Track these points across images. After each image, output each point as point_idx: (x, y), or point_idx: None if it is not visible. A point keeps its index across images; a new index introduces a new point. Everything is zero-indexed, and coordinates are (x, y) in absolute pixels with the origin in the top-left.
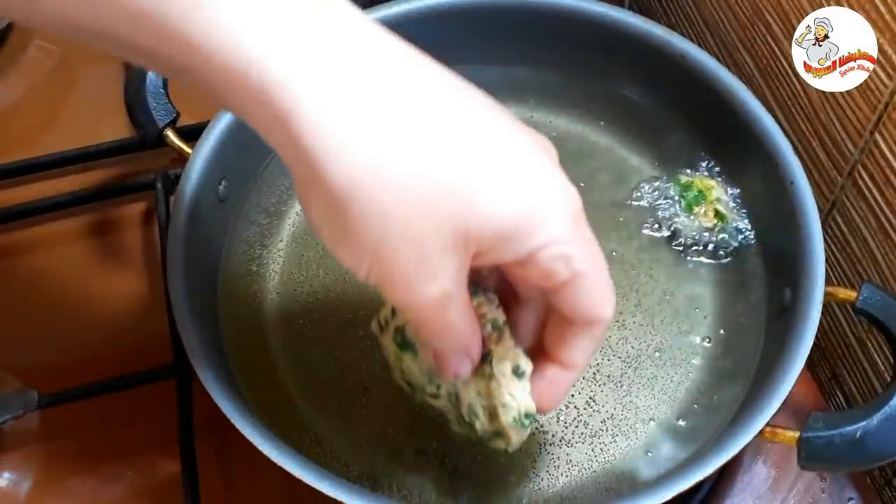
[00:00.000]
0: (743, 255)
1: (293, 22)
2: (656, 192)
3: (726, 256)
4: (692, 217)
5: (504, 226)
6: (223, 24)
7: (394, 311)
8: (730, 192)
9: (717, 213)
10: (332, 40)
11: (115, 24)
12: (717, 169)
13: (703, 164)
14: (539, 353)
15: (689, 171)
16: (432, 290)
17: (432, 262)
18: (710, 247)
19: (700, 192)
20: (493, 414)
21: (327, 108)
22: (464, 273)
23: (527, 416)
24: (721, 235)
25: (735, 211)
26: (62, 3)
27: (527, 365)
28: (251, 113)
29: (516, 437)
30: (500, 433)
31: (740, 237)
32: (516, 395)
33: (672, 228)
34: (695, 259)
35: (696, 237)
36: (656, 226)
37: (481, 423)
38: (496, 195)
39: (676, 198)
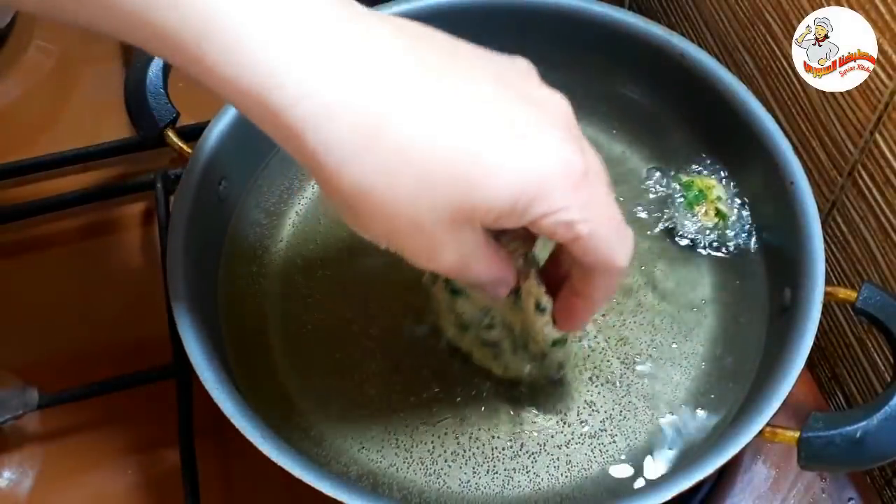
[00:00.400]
0: (743, 255)
1: (302, 41)
2: (657, 192)
3: (727, 254)
4: (693, 216)
5: (502, 205)
6: (237, 46)
7: None
8: (730, 190)
9: (718, 212)
10: (334, 54)
11: (135, 35)
12: (717, 167)
13: (704, 163)
14: (568, 281)
15: (690, 169)
16: (446, 261)
17: (440, 242)
18: (711, 245)
19: (701, 191)
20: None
21: (334, 126)
22: (474, 239)
23: (553, 343)
24: (722, 234)
25: (736, 210)
26: (75, 7)
27: (547, 302)
28: (267, 128)
29: (559, 358)
30: (562, 338)
31: (741, 235)
32: (538, 327)
33: (673, 227)
34: (695, 258)
35: (697, 236)
36: (657, 225)
37: (532, 346)
38: (491, 177)
39: (677, 197)
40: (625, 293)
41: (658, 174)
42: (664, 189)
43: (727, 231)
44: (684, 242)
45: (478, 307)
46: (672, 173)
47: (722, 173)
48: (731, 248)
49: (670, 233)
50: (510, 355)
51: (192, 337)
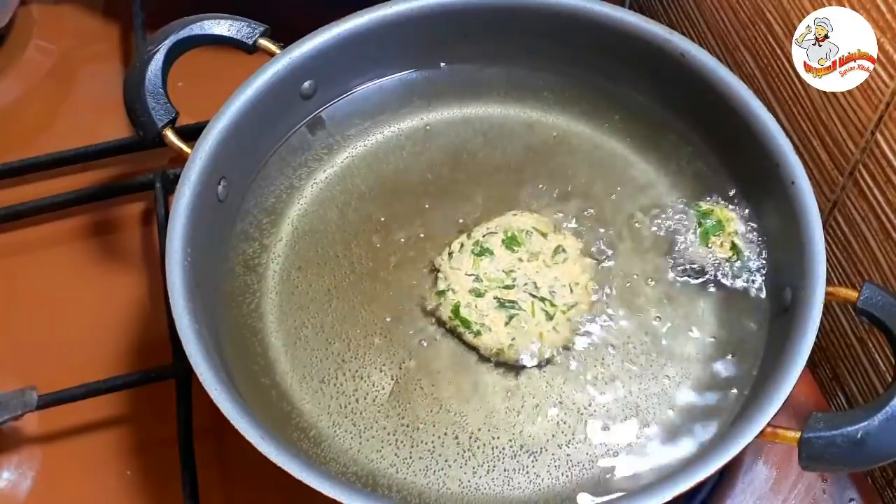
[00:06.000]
0: (748, 289)
1: None
2: (665, 208)
3: (732, 286)
4: (707, 245)
5: None
6: None
7: (468, 234)
8: (749, 227)
9: (734, 246)
10: None
11: None
12: (717, 167)
13: (717, 186)
14: None
15: (708, 198)
16: None
17: None
18: (717, 276)
19: (719, 221)
20: (572, 286)
21: None
22: None
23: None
24: (732, 268)
25: (752, 247)
26: None
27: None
28: None
29: (576, 319)
30: (577, 303)
31: (751, 274)
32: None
33: (681, 249)
34: (700, 281)
35: (706, 264)
36: (661, 233)
37: (561, 297)
38: None
39: (691, 223)
40: (628, 303)
41: (656, 170)
42: (674, 207)
43: (739, 266)
44: (692, 267)
45: (498, 268)
46: (669, 168)
47: (721, 174)
48: (737, 283)
49: (677, 255)
50: (528, 315)
51: (192, 337)
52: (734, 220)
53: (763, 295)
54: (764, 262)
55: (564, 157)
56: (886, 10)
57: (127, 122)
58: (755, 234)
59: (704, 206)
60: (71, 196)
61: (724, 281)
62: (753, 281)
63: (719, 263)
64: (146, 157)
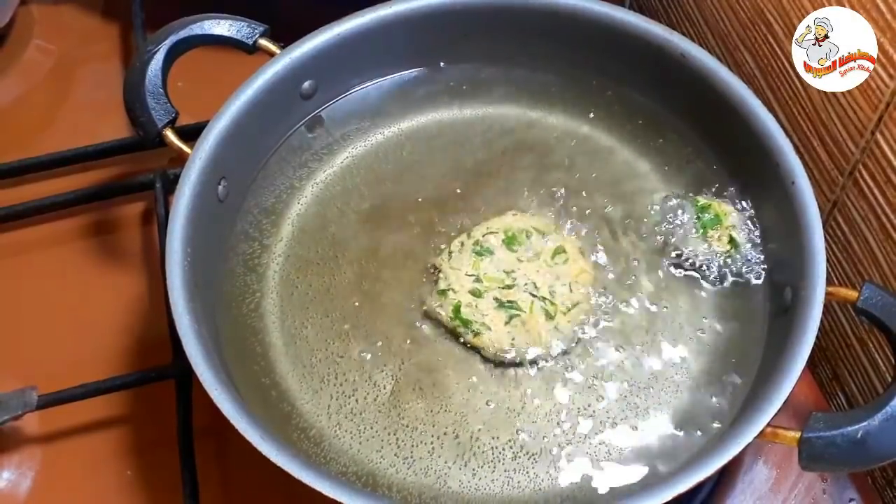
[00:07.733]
0: (747, 283)
1: None
2: (664, 205)
3: (733, 280)
4: (706, 239)
5: None
6: None
7: (469, 234)
8: (747, 222)
9: (732, 240)
10: None
11: None
12: (717, 166)
13: (717, 185)
14: None
15: (706, 192)
16: None
17: None
18: (716, 271)
19: (717, 215)
20: (572, 286)
21: None
22: None
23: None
24: (731, 262)
25: (750, 241)
26: None
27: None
28: None
29: (579, 318)
30: (577, 303)
31: (750, 269)
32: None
33: (679, 246)
34: (699, 278)
35: (705, 260)
36: (662, 240)
37: (561, 296)
38: None
39: (690, 217)
40: (627, 302)
41: (655, 171)
42: (673, 206)
43: (738, 260)
44: (690, 262)
45: (499, 268)
46: (688, 194)
47: (721, 174)
48: (737, 278)
49: (676, 250)
50: (528, 315)
51: (192, 337)
52: (732, 215)
53: (762, 293)
54: (762, 256)
55: (564, 157)
56: (886, 10)
57: (127, 122)
58: (753, 228)
59: (702, 200)
60: (71, 196)
61: (722, 275)
62: (752, 276)
63: (718, 257)
64: (146, 157)
